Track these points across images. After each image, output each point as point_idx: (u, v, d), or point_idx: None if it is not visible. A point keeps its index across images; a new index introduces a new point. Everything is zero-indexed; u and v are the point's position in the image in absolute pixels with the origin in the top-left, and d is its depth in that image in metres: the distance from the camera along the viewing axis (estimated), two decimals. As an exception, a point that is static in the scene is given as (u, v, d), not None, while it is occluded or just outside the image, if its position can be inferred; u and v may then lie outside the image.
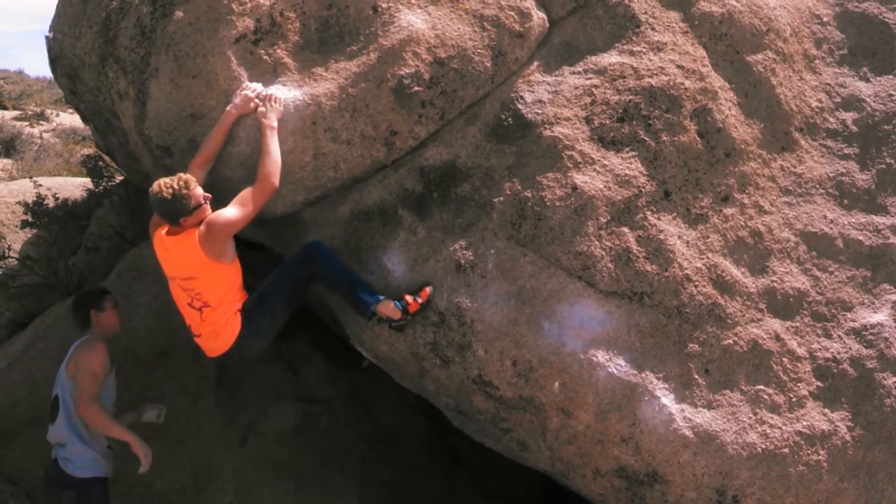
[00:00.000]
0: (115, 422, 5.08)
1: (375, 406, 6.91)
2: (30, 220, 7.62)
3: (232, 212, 4.61)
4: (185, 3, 5.12)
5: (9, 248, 7.56)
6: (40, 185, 7.99)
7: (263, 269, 6.22)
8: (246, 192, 4.67)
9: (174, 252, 4.73)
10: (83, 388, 4.93)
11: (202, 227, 4.60)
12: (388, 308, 4.85)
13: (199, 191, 4.65)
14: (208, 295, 4.71)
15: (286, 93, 4.96)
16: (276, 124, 4.81)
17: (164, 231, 4.78)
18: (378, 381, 5.89)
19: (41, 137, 16.77)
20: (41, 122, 19.09)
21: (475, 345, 4.90)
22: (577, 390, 4.88)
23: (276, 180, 4.70)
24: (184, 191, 4.57)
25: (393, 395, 6.18)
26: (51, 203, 7.88)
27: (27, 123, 18.21)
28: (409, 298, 4.88)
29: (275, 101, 4.85)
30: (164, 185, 4.57)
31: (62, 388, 5.11)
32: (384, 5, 5.20)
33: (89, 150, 12.03)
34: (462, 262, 4.98)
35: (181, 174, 4.67)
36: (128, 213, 7.56)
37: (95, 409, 4.95)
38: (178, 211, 4.59)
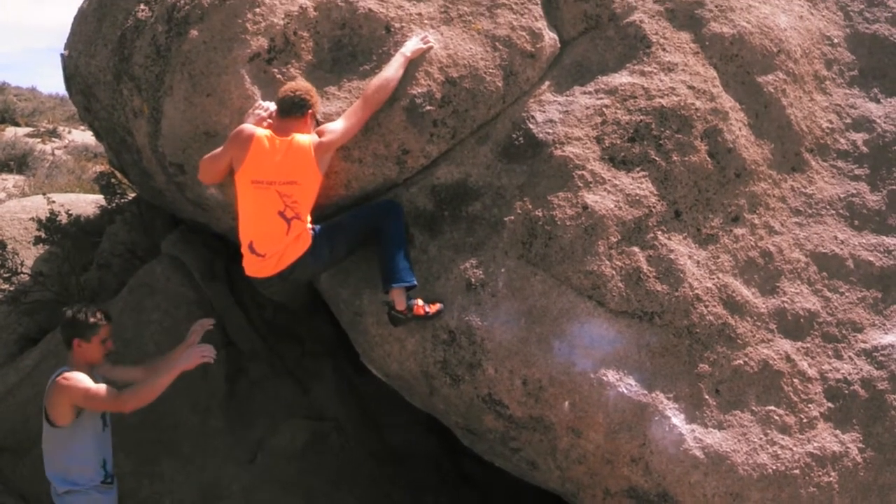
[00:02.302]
0: (154, 379, 4.76)
1: (385, 424, 6.90)
2: (42, 236, 7.67)
3: (341, 123, 4.86)
4: (200, 23, 5.17)
5: (21, 265, 7.59)
6: (53, 202, 8.04)
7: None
8: (354, 105, 4.93)
9: (284, 154, 4.73)
10: (104, 401, 4.68)
11: (318, 136, 4.79)
12: (400, 296, 4.88)
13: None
14: (303, 204, 4.78)
15: (299, 112, 5.00)
16: None
17: (270, 133, 4.80)
18: (388, 400, 5.88)
19: (53, 154, 16.91)
20: (53, 138, 19.25)
21: (485, 363, 4.91)
22: (587, 410, 4.88)
23: (382, 96, 4.97)
24: (311, 91, 4.85)
25: (403, 413, 6.17)
26: (63, 219, 7.93)
27: (39, 140, 18.37)
28: (419, 301, 4.91)
29: None
30: (297, 84, 4.87)
31: (43, 433, 4.88)
32: (397, 25, 5.25)
33: (101, 167, 12.11)
34: (473, 280, 5.00)
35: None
36: (140, 229, 7.60)
37: (132, 397, 4.67)
38: (306, 103, 4.80)
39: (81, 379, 4.71)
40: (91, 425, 4.88)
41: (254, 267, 4.90)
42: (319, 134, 4.81)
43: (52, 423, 4.78)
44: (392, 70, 5.01)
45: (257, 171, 4.75)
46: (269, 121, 4.87)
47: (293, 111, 4.79)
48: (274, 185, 4.73)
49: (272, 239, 4.78)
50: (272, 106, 4.88)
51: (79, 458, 4.83)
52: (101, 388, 4.69)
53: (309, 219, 4.87)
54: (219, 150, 4.90)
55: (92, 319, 4.88)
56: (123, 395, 4.68)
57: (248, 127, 4.83)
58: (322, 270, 5.20)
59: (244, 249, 4.90)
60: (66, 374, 4.74)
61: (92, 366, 4.93)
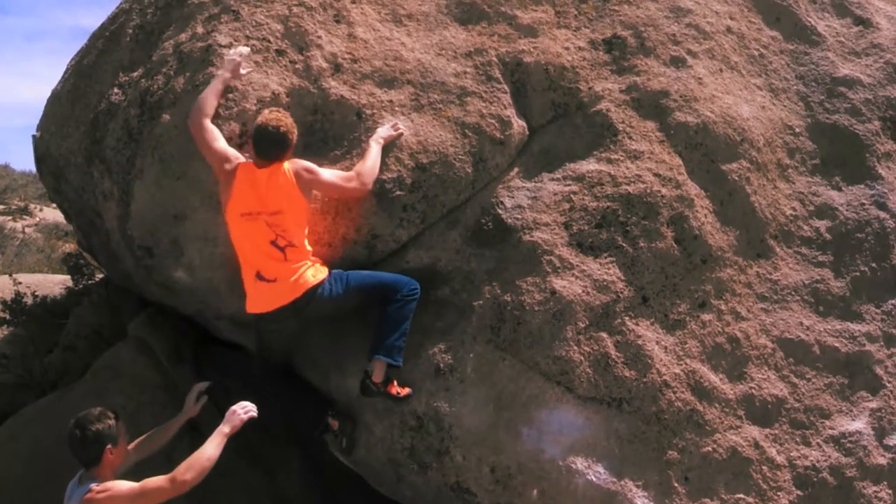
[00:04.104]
0: (204, 449, 4.45)
1: (352, 511, 6.77)
2: (7, 317, 7.58)
3: (329, 174, 4.92)
4: (172, 107, 5.22)
5: (-16, 346, 7.50)
6: (19, 283, 7.98)
7: (238, 367, 6.18)
8: (344, 173, 4.97)
9: (266, 184, 4.74)
10: (162, 491, 4.26)
11: (300, 168, 4.81)
12: (381, 368, 4.85)
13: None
14: (293, 232, 4.76)
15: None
16: None
17: (252, 166, 4.81)
18: (355, 486, 5.78)
19: (24, 232, 16.81)
20: (24, 216, 19.14)
21: (453, 450, 4.86)
22: (556, 498, 4.82)
23: (369, 182, 4.99)
24: (293, 128, 4.85)
25: (370, 500, 6.07)
26: (29, 301, 7.86)
27: (10, 218, 18.26)
28: (395, 381, 4.90)
29: None
30: (280, 118, 4.81)
31: None
32: (368, 112, 5.32)
33: (72, 246, 12.05)
34: (441, 365, 4.97)
35: (281, 110, 4.94)
36: (107, 311, 7.53)
37: (189, 473, 4.30)
38: (288, 144, 4.81)
39: (118, 484, 4.32)
40: None
41: (265, 297, 4.80)
42: (310, 171, 4.84)
43: None
44: (375, 158, 5.07)
45: (244, 205, 4.76)
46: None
47: (277, 147, 4.79)
48: (262, 216, 4.74)
49: (276, 265, 4.75)
50: None
51: None
52: (147, 482, 4.30)
53: (309, 247, 4.86)
54: (217, 145, 4.88)
55: (110, 422, 4.44)
56: (178, 478, 4.30)
57: (230, 162, 4.84)
58: (333, 311, 5.04)
59: (251, 282, 4.82)
60: (98, 487, 4.27)
61: (116, 468, 4.50)
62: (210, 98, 5.00)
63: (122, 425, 4.53)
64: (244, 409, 4.62)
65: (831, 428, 5.47)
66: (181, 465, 4.35)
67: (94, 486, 4.28)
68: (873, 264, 6.05)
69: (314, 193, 5.04)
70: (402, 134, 5.25)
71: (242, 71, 5.17)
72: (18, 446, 6.07)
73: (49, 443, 5.90)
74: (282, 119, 4.80)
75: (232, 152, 4.89)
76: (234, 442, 6.42)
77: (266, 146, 4.78)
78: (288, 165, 4.81)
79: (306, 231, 4.90)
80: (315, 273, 4.80)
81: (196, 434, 6.30)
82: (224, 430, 4.55)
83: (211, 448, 4.45)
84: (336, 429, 5.13)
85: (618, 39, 5.97)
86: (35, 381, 7.05)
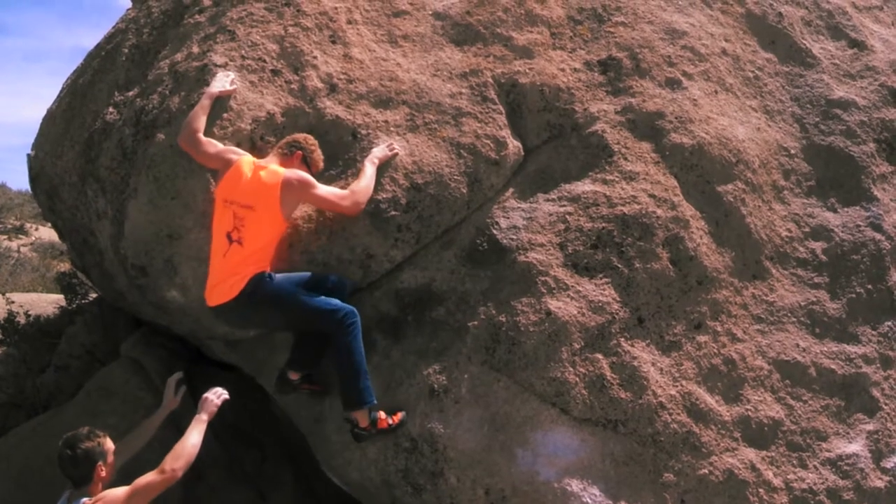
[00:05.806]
0: (186, 438, 4.47)
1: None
2: (0, 337, 7.56)
3: (324, 189, 4.91)
4: (167, 126, 5.21)
5: (-24, 366, 7.47)
6: (12, 302, 7.95)
7: (231, 387, 6.14)
8: (339, 191, 4.98)
9: (252, 178, 4.78)
10: (154, 486, 4.27)
11: (294, 177, 4.78)
12: (363, 415, 4.78)
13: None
14: (251, 233, 4.71)
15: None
16: None
17: (254, 160, 4.91)
18: (348, 508, 5.75)
19: (19, 251, 16.77)
20: (20, 235, 19.11)
21: (447, 472, 4.82)
22: (551, 520, 4.78)
23: (364, 201, 5.02)
24: (308, 139, 5.04)
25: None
26: (22, 320, 7.82)
27: (6, 237, 18.23)
28: (381, 414, 4.82)
29: None
30: (301, 134, 5.08)
31: None
32: (363, 132, 5.32)
33: (67, 265, 12.03)
34: (436, 386, 4.94)
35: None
36: (100, 331, 7.50)
37: (175, 463, 4.32)
38: (294, 146, 4.97)
39: (111, 492, 4.33)
40: None
41: (212, 293, 4.83)
42: (303, 183, 4.81)
43: None
44: (370, 177, 5.07)
45: (228, 191, 4.80)
46: None
47: (283, 148, 4.97)
48: (233, 206, 4.76)
49: (219, 261, 4.76)
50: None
51: None
52: (138, 481, 4.30)
53: (261, 265, 4.75)
54: (215, 148, 4.95)
55: (99, 440, 4.46)
56: (167, 468, 4.32)
57: (236, 153, 4.93)
58: (258, 320, 4.99)
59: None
60: (90, 501, 4.27)
61: (106, 484, 4.48)
62: (199, 114, 5.03)
63: (110, 442, 4.53)
64: (216, 395, 4.68)
65: (828, 450, 5.44)
66: (167, 456, 4.39)
67: (86, 500, 4.30)
68: (869, 286, 6.05)
69: (309, 213, 5.04)
70: (397, 154, 5.25)
71: (229, 87, 5.19)
72: (10, 466, 6.02)
73: (41, 462, 5.86)
74: (300, 134, 5.07)
75: (234, 149, 4.98)
76: (227, 461, 6.40)
77: (282, 143, 5.01)
78: (281, 172, 4.80)
79: (270, 253, 4.84)
80: (237, 283, 4.67)
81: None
82: (202, 417, 4.61)
83: (194, 436, 4.50)
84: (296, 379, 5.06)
85: (613, 61, 5.98)
86: (27, 401, 7.01)
